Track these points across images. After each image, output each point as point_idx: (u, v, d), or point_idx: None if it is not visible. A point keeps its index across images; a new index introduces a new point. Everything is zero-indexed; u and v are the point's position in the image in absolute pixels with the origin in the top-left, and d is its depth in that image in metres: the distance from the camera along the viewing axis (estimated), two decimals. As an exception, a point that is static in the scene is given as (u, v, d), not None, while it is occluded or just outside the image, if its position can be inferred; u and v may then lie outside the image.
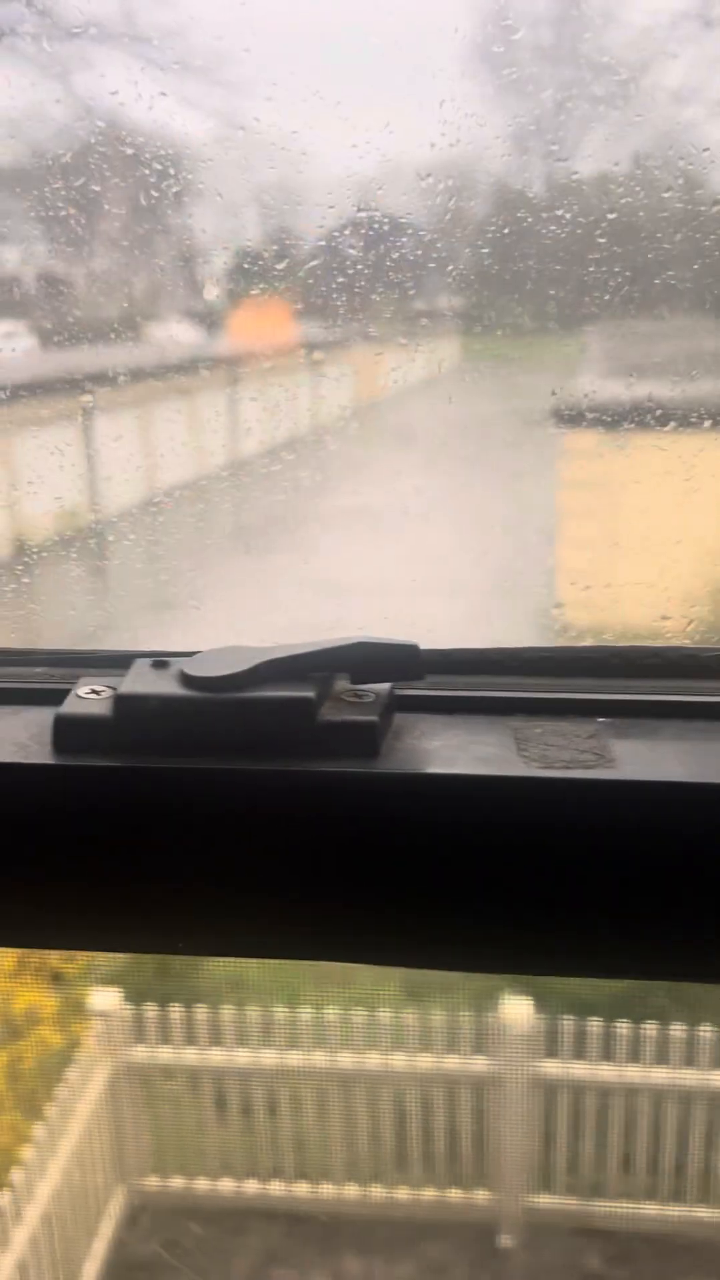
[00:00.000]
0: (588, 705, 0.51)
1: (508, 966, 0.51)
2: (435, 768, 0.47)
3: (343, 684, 0.51)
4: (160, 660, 0.52)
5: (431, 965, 0.49)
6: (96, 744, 0.49)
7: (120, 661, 0.55)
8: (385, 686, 0.51)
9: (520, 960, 0.48)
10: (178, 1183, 2.94)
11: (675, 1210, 2.79)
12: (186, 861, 0.48)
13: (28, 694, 0.54)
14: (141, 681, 0.50)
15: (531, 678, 0.53)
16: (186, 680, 0.50)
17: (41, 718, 0.51)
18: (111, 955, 2.93)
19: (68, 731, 0.49)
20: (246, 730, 0.48)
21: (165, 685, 0.50)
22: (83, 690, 0.51)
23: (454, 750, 0.49)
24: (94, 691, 0.51)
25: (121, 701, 0.49)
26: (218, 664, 0.50)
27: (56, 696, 0.52)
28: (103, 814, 0.48)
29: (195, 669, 0.50)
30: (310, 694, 0.48)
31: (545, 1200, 2.83)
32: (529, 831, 0.46)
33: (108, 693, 0.51)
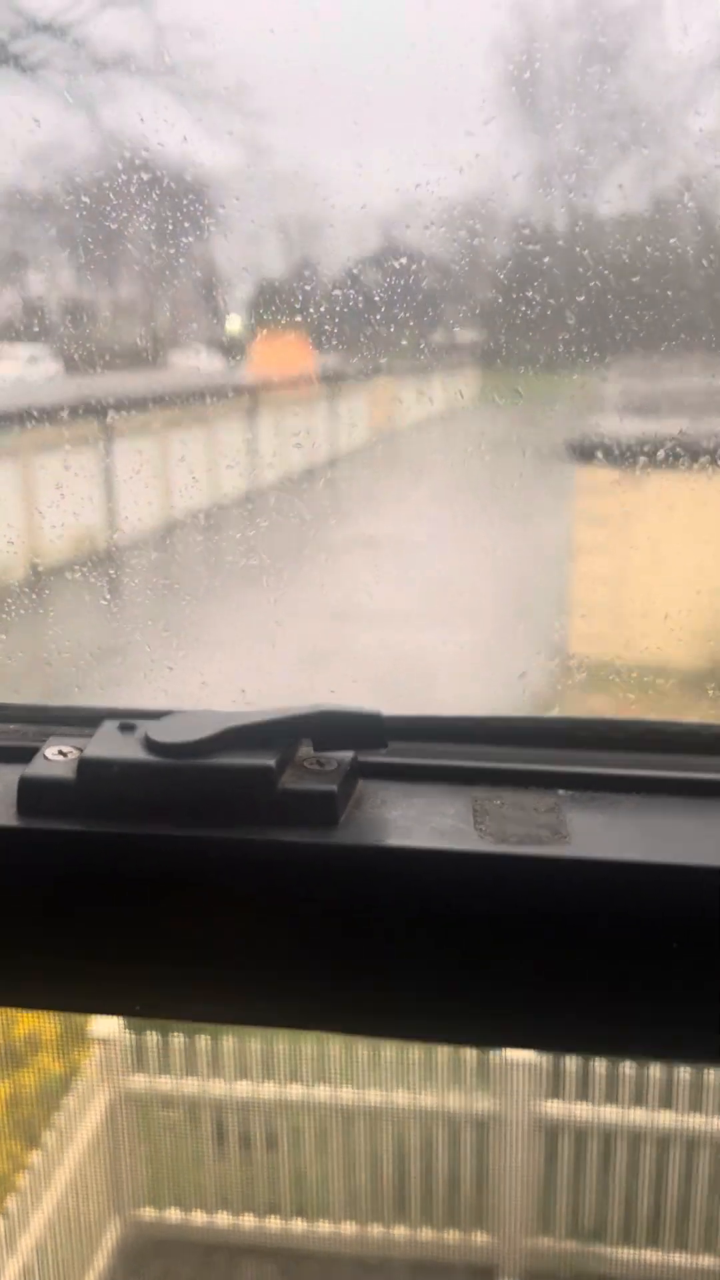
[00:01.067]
0: (549, 777, 0.52)
1: (458, 1038, 0.51)
2: (392, 840, 0.48)
3: (306, 750, 0.52)
4: (128, 723, 0.52)
5: (384, 1035, 0.49)
6: (60, 807, 0.49)
7: (92, 719, 0.56)
8: (348, 754, 0.52)
9: (471, 1032, 0.48)
10: (174, 1215, 2.92)
11: (678, 1257, 2.74)
12: (145, 926, 0.49)
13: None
14: (107, 745, 0.51)
15: (495, 746, 0.54)
16: (150, 745, 0.50)
17: (9, 776, 0.52)
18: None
19: (32, 793, 0.50)
20: (207, 797, 0.49)
21: (129, 750, 0.50)
22: (50, 751, 0.52)
23: (412, 821, 0.49)
24: (61, 753, 0.52)
25: (85, 765, 0.50)
26: (183, 729, 0.51)
27: (26, 755, 0.53)
28: (63, 877, 0.49)
29: (160, 734, 0.51)
30: (270, 762, 0.49)
31: (545, 1243, 2.79)
32: (482, 904, 0.46)
33: (74, 754, 0.52)
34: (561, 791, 0.51)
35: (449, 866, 0.46)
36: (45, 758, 0.52)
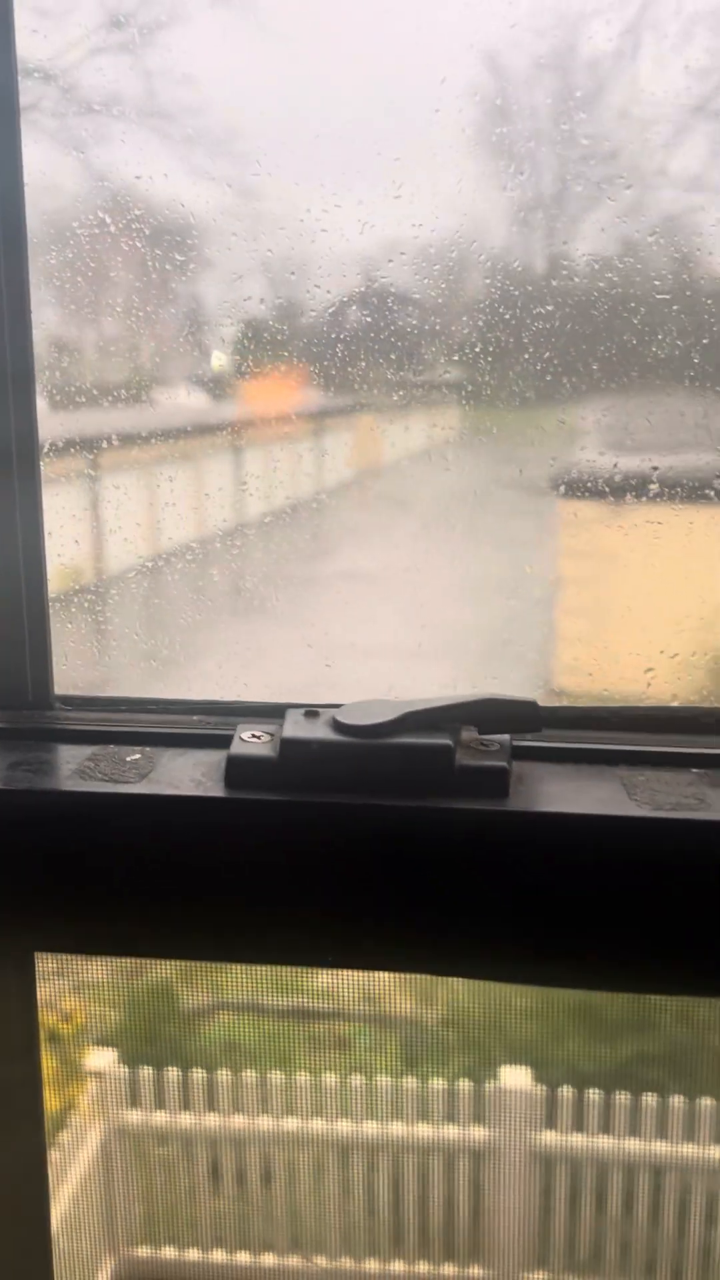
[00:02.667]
0: (684, 758, 0.59)
1: (620, 986, 0.58)
2: (559, 807, 0.55)
3: (470, 734, 0.59)
4: (311, 710, 0.59)
5: (553, 983, 0.56)
6: (264, 781, 0.56)
7: (265, 711, 0.63)
8: (506, 737, 0.59)
9: (634, 980, 0.55)
10: (168, 1253, 2.90)
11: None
12: (341, 884, 0.55)
13: (189, 738, 0.62)
14: (300, 728, 0.58)
15: (632, 733, 0.61)
16: (339, 727, 0.57)
17: (207, 759, 0.59)
18: (107, 1017, 2.93)
19: (239, 769, 0.56)
20: (396, 772, 0.56)
21: (321, 731, 0.57)
22: (245, 735, 0.59)
23: (573, 793, 0.56)
24: (255, 736, 0.59)
25: (287, 744, 0.56)
26: (365, 714, 0.58)
27: (213, 741, 0.60)
28: (269, 842, 0.55)
29: (346, 718, 0.58)
30: (449, 742, 0.56)
31: (541, 1277, 2.81)
32: (643, 865, 0.53)
33: (267, 738, 0.58)
34: (696, 770, 0.59)
35: (613, 831, 0.53)
36: (242, 739, 0.58)
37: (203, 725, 0.63)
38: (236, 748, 0.58)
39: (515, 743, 0.60)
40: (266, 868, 0.55)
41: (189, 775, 0.58)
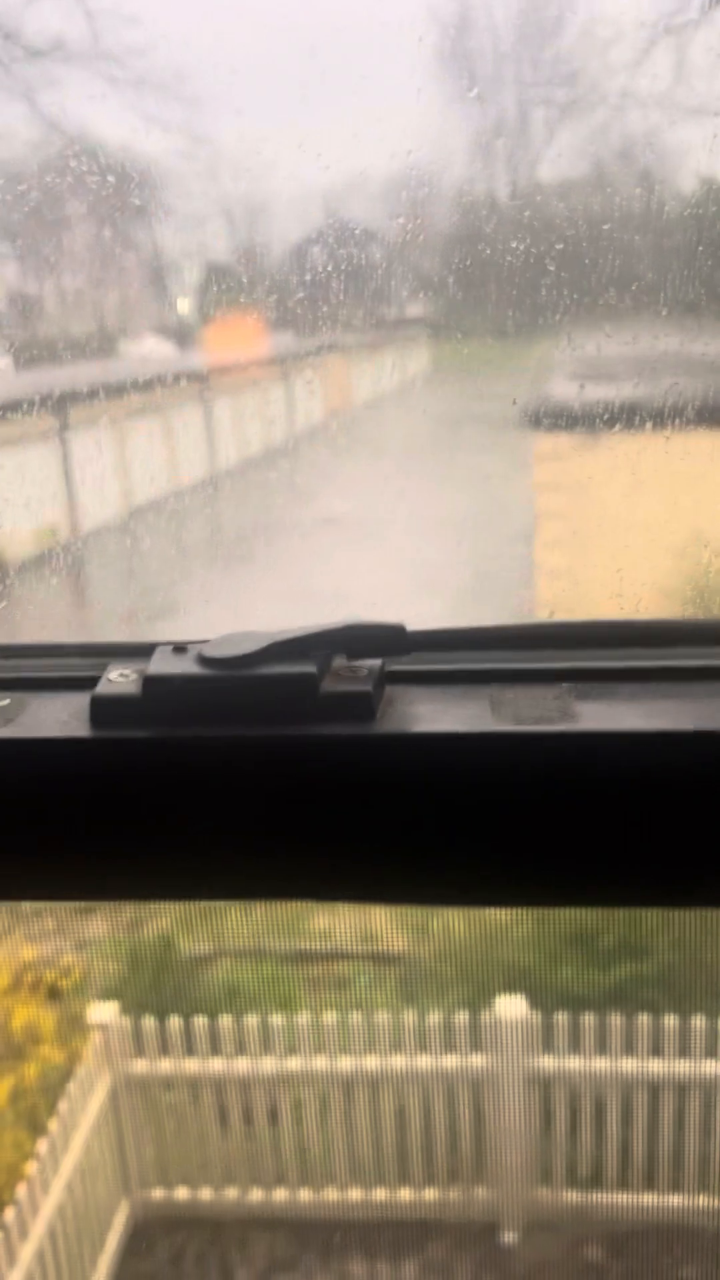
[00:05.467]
0: (555, 674, 0.59)
1: (490, 900, 0.58)
2: (423, 727, 0.55)
3: (339, 661, 0.59)
4: (179, 646, 0.59)
5: (423, 901, 0.56)
6: (129, 719, 0.56)
7: (139, 651, 0.62)
8: (377, 662, 0.59)
9: (502, 893, 0.56)
10: (182, 1194, 2.98)
11: (675, 1199, 2.84)
12: (208, 817, 0.56)
13: (64, 681, 0.62)
14: (165, 664, 0.57)
15: (504, 651, 0.61)
16: (204, 661, 0.57)
17: (79, 701, 0.59)
18: (107, 967, 2.98)
19: (103, 708, 0.56)
20: (260, 701, 0.56)
21: (186, 666, 0.57)
22: (113, 674, 0.59)
23: (438, 714, 0.56)
24: (123, 675, 0.58)
25: (150, 681, 0.56)
26: (231, 646, 0.58)
27: (87, 683, 0.60)
28: (135, 778, 0.55)
29: (212, 651, 0.57)
30: (312, 669, 0.56)
31: (545, 1194, 2.88)
32: (505, 778, 0.53)
33: (135, 676, 0.58)
34: (565, 685, 0.58)
35: (474, 746, 0.53)
36: (109, 679, 0.58)
37: (76, 669, 0.63)
38: (102, 687, 0.57)
39: (390, 668, 0.60)
40: (134, 805, 0.56)
41: (56, 718, 0.58)
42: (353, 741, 0.54)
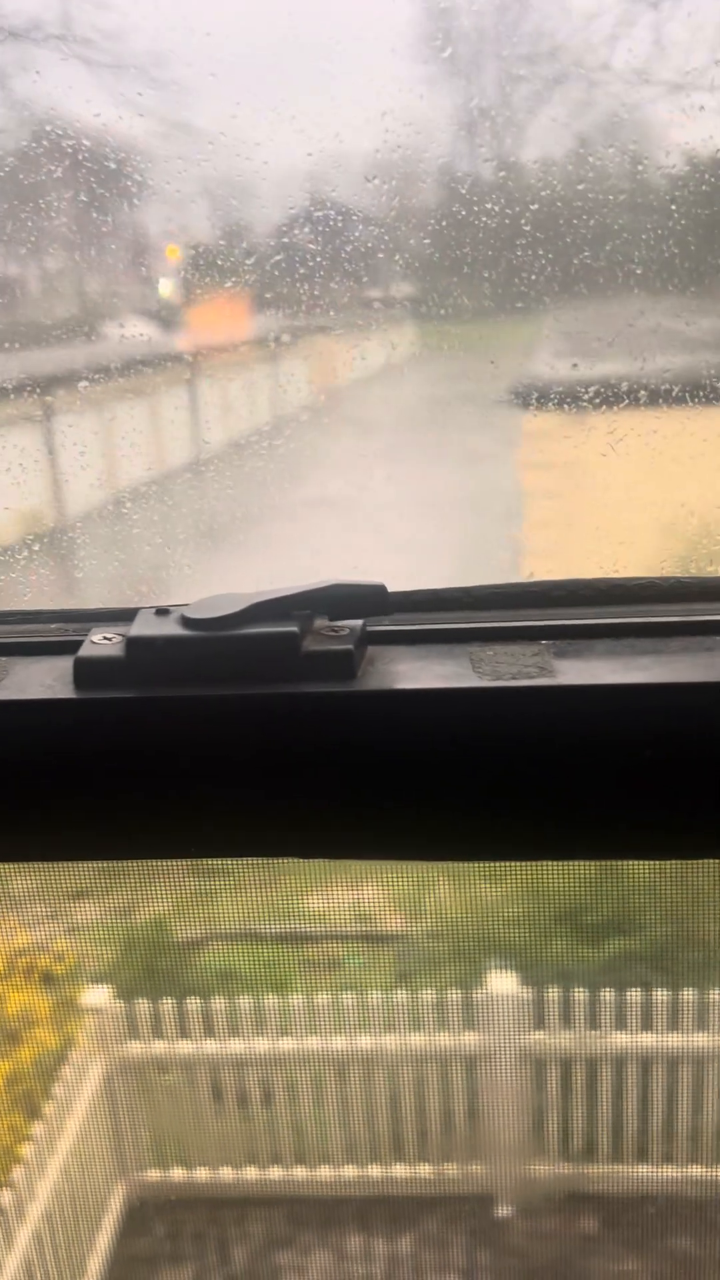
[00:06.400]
0: (534, 631, 0.60)
1: (472, 854, 0.59)
2: (404, 685, 0.55)
3: (321, 621, 0.59)
4: (162, 609, 0.60)
5: (406, 856, 0.57)
6: (112, 680, 0.57)
7: (123, 615, 0.63)
8: (358, 622, 0.59)
9: (484, 846, 0.57)
10: (178, 1174, 3.00)
11: (669, 1171, 2.88)
12: (192, 776, 0.56)
13: (46, 646, 0.62)
14: (148, 626, 0.58)
15: (484, 610, 0.62)
16: (187, 623, 0.58)
17: (62, 664, 0.59)
18: (102, 952, 2.99)
19: (87, 670, 0.57)
20: (242, 662, 0.56)
21: (169, 628, 0.58)
22: (96, 637, 0.59)
23: (418, 672, 0.57)
24: (106, 638, 0.59)
25: (133, 643, 0.57)
26: (213, 608, 0.58)
27: (70, 647, 0.60)
28: (120, 738, 0.56)
29: (194, 613, 0.58)
30: (294, 629, 0.57)
31: (539, 1168, 2.92)
32: (486, 733, 0.54)
33: (118, 639, 0.59)
34: (545, 641, 0.59)
35: (454, 702, 0.54)
36: (93, 642, 0.59)
37: (60, 633, 0.64)
38: (86, 650, 0.58)
39: (372, 628, 0.60)
40: (119, 766, 0.56)
41: (40, 681, 0.58)
42: (334, 699, 0.55)
